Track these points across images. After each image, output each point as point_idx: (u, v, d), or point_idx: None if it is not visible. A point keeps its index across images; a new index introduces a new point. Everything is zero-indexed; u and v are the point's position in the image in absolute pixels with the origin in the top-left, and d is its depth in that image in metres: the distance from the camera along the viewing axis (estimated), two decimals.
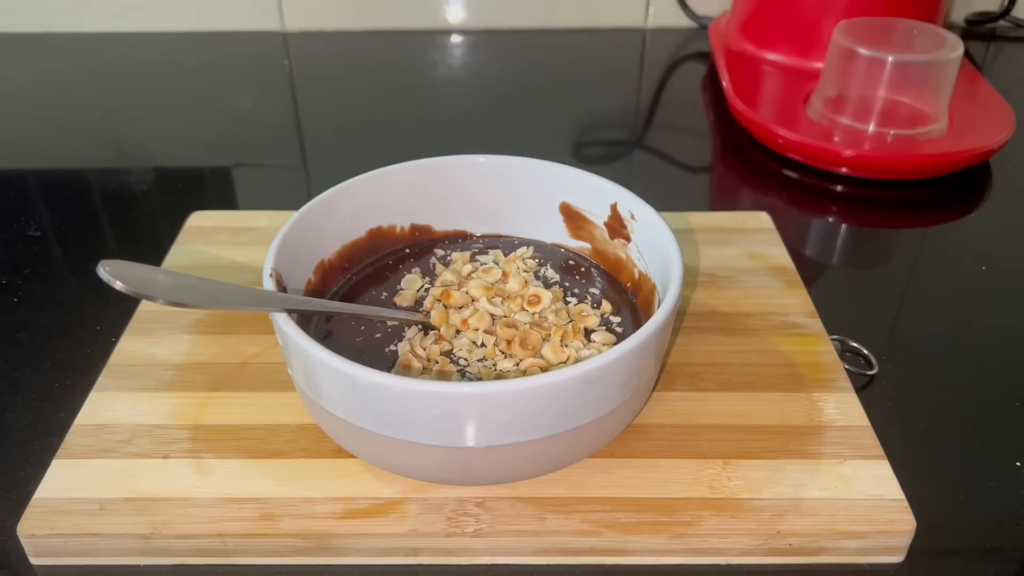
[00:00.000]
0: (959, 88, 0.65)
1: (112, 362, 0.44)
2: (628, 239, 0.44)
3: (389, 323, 0.42)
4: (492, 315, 0.42)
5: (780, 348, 0.45)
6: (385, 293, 0.45)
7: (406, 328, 0.42)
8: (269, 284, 0.37)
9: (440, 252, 0.48)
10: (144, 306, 0.48)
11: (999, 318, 0.51)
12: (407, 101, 0.77)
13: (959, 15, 0.91)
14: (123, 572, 0.36)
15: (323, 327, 0.42)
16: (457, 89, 0.81)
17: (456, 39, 0.89)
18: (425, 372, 0.40)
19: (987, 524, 0.38)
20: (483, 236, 0.49)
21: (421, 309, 0.43)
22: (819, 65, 0.69)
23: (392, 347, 0.41)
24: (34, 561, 0.36)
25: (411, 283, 0.45)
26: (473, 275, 0.45)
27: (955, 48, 0.62)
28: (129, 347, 0.45)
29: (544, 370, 0.39)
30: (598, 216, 0.46)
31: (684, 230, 0.54)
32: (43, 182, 0.65)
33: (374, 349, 0.41)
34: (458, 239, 0.49)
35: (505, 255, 0.47)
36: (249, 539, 0.36)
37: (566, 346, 0.41)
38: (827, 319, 0.47)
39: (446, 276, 0.45)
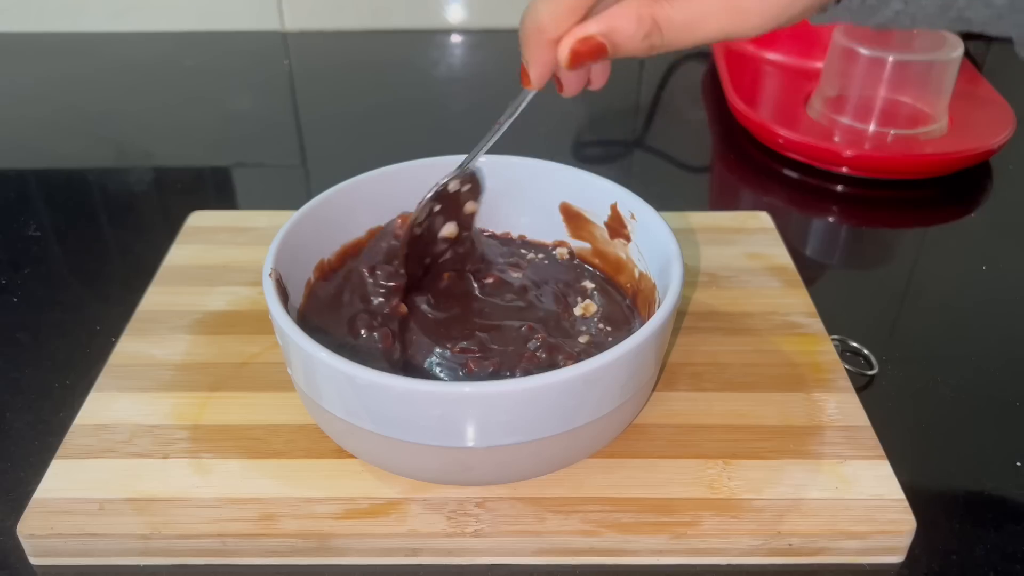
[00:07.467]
0: (959, 88, 0.65)
1: (112, 362, 0.44)
2: (628, 239, 0.44)
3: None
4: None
5: (780, 348, 0.45)
6: None
7: None
8: (269, 284, 0.37)
9: None
10: (144, 306, 0.48)
11: (999, 318, 0.50)
12: (407, 101, 0.77)
13: None
14: (123, 572, 0.36)
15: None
16: (457, 89, 0.81)
17: (456, 39, 0.89)
18: None
19: (987, 524, 0.38)
20: (483, 236, 0.49)
21: None
22: (819, 65, 0.69)
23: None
24: (34, 561, 0.36)
25: None
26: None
27: (955, 48, 0.62)
28: (129, 347, 0.45)
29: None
30: (598, 216, 0.45)
31: (684, 230, 0.54)
32: (43, 182, 0.65)
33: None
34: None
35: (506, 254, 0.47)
36: (249, 539, 0.36)
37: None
38: (827, 319, 0.47)
39: None
